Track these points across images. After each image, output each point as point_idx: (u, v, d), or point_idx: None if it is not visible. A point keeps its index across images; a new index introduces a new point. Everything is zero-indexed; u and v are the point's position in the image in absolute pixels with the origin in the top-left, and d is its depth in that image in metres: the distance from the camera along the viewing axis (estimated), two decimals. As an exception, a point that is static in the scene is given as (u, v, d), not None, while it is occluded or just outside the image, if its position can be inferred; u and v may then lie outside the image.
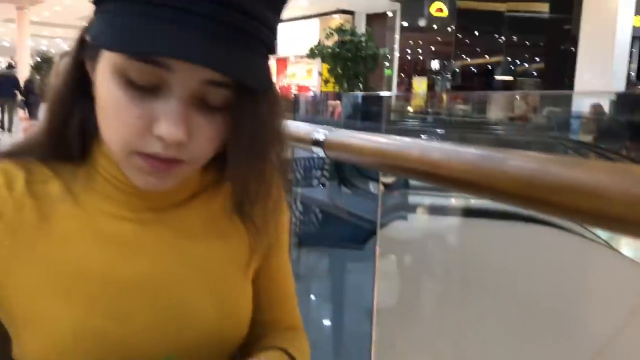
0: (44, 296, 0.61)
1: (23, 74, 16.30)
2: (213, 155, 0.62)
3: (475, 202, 2.56)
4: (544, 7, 13.35)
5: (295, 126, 1.21)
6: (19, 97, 13.43)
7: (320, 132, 1.11)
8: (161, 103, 0.56)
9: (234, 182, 0.67)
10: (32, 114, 13.12)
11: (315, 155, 1.21)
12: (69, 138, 0.65)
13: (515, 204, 0.61)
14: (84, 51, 0.62)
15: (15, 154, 0.65)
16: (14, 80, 13.51)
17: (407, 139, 0.77)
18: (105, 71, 0.57)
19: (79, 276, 0.62)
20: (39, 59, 15.91)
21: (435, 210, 2.86)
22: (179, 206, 0.69)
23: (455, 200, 2.62)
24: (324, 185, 2.96)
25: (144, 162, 0.58)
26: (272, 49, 0.60)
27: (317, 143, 1.10)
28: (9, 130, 13.32)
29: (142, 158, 0.58)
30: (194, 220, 0.70)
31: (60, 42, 28.02)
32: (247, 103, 0.59)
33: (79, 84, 0.63)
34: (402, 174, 0.80)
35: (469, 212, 2.59)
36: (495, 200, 0.65)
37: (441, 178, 0.71)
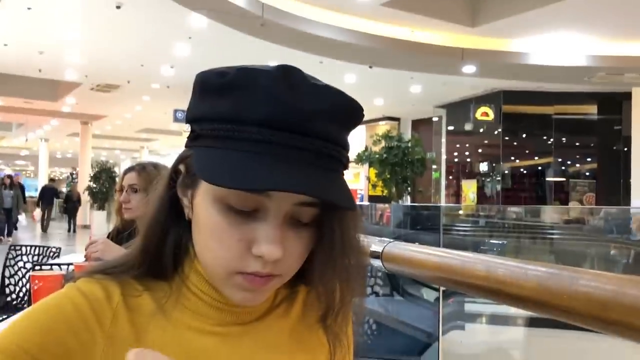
0: None
1: (83, 183, 17.25)
2: (298, 268, 0.66)
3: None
4: (592, 109, 13.39)
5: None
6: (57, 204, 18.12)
7: (377, 244, 1.11)
8: (259, 225, 0.61)
9: (318, 290, 0.70)
10: (70, 217, 17.71)
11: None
12: (164, 258, 0.69)
13: (589, 325, 0.59)
14: (179, 180, 0.68)
15: (110, 271, 0.69)
16: (55, 191, 18.39)
17: (471, 255, 0.76)
18: (205, 199, 0.63)
19: None
20: (98, 169, 16.83)
21: (493, 319, 2.73)
22: (260, 319, 0.71)
23: (515, 310, 2.50)
24: (377, 294, 2.89)
25: (244, 281, 0.62)
26: (346, 166, 0.67)
27: (374, 255, 1.10)
28: (45, 230, 17.09)
29: (242, 277, 0.62)
30: (275, 332, 0.72)
31: (119, 154, 29.62)
32: (334, 219, 0.65)
33: (173, 209, 0.69)
34: (466, 290, 0.78)
35: (530, 321, 2.46)
36: (565, 320, 0.63)
37: (507, 296, 0.69)
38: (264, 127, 0.59)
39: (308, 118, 0.60)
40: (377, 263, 1.11)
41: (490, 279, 0.71)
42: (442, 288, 1.59)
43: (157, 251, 0.69)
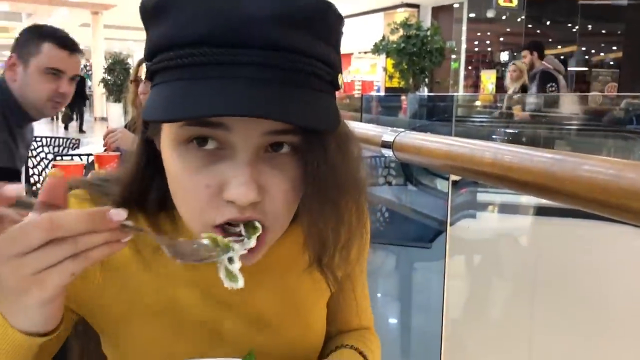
0: (135, 323, 0.65)
1: (98, 75, 17.21)
2: (291, 214, 0.59)
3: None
4: (622, -7, 12.71)
5: (364, 127, 1.23)
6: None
7: (389, 134, 1.12)
8: (227, 166, 0.53)
9: (309, 233, 0.61)
10: (73, 110, 16.86)
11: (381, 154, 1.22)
12: (147, 211, 0.64)
13: (590, 209, 0.61)
14: (150, 129, 0.61)
15: (106, 189, 0.65)
16: None
17: (479, 142, 0.77)
18: (167, 144, 0.56)
19: (167, 309, 0.65)
20: (111, 61, 16.67)
21: (506, 208, 2.78)
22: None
23: (527, 198, 2.54)
24: (390, 183, 2.95)
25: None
26: (335, 84, 0.57)
27: (386, 145, 1.11)
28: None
29: (220, 232, 0.55)
30: (277, 259, 0.69)
31: (132, 44, 29.10)
32: (314, 146, 0.55)
33: (151, 162, 0.62)
34: (474, 177, 0.80)
35: (543, 210, 2.50)
36: (568, 205, 0.65)
37: (513, 182, 0.71)
38: (205, 46, 0.49)
39: (255, 26, 0.49)
40: (388, 153, 1.13)
41: (497, 166, 0.73)
42: (451, 177, 1.63)
43: (138, 201, 0.63)
